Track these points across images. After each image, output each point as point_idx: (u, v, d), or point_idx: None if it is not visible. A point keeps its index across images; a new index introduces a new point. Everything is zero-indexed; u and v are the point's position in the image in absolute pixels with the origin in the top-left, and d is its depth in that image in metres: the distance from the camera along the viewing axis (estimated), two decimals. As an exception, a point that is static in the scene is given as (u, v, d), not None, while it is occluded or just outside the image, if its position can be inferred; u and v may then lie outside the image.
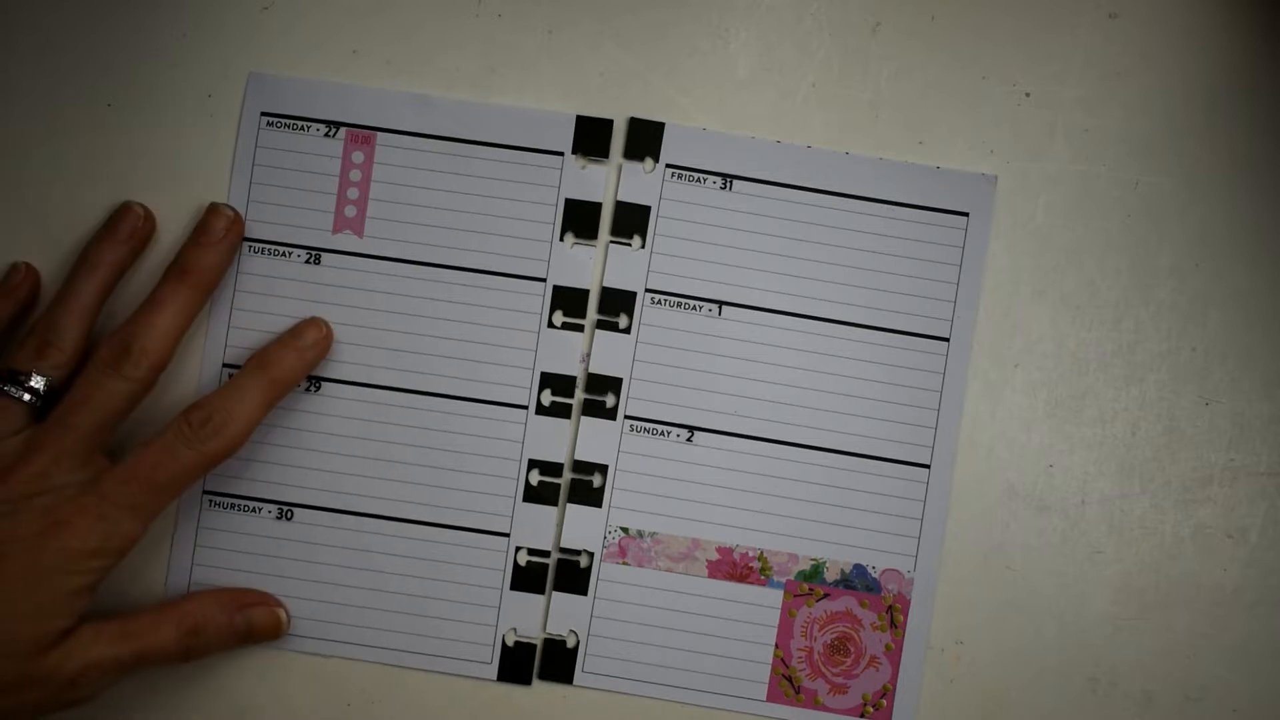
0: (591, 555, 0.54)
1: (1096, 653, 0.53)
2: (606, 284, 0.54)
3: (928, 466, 0.53)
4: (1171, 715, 0.53)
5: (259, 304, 0.54)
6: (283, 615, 0.53)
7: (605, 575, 0.54)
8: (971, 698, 0.53)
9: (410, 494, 0.54)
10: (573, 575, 0.54)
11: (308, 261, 0.54)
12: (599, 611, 0.54)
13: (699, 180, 0.54)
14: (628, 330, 0.54)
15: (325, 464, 0.54)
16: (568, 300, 0.54)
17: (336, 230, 0.54)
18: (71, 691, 0.48)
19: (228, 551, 0.54)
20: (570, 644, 0.54)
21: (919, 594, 0.53)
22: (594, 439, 0.54)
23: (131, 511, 0.48)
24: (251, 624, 0.53)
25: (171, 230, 0.54)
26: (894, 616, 0.53)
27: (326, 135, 0.54)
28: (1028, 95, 0.54)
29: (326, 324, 0.53)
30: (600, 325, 0.54)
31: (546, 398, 0.54)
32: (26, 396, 0.50)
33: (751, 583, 0.54)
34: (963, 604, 0.53)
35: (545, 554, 0.54)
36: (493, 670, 0.54)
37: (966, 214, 0.54)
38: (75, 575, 0.47)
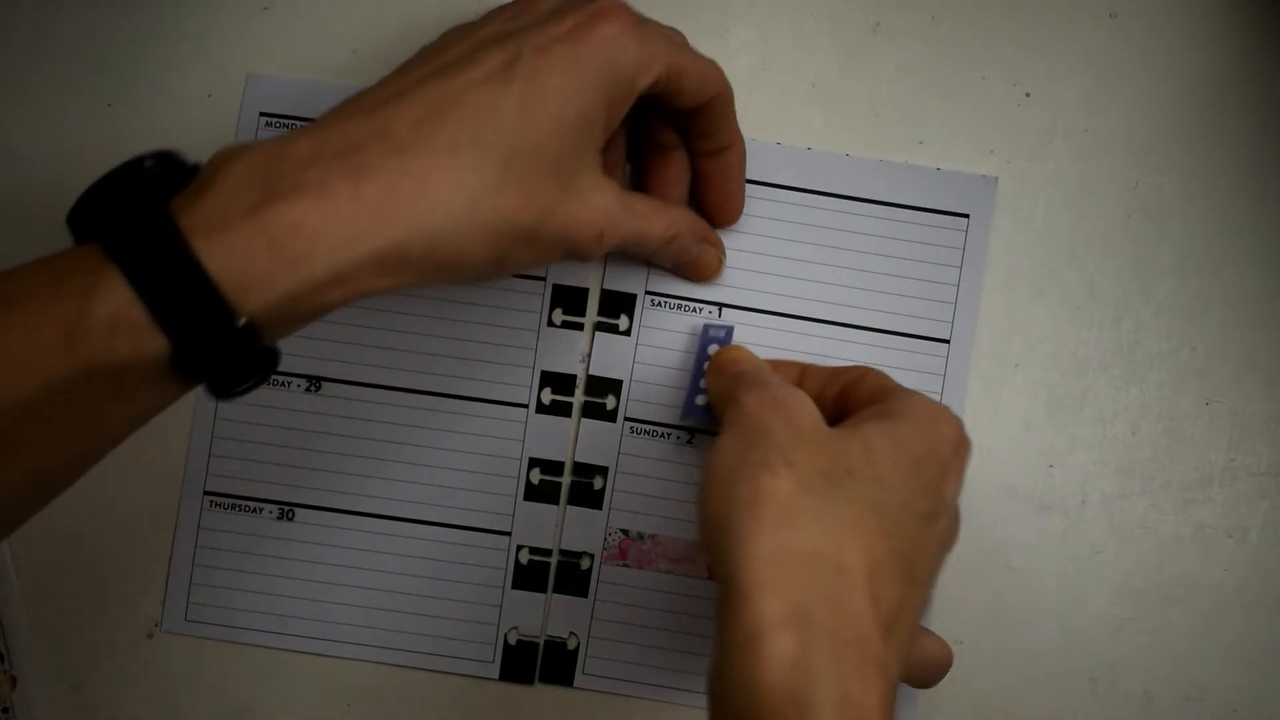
0: (592, 557, 0.54)
1: (1096, 653, 0.53)
2: (606, 286, 0.54)
3: (928, 468, 0.53)
4: (1171, 715, 0.53)
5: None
6: (718, 257, 0.53)
7: (605, 577, 0.54)
8: (971, 698, 0.53)
9: (411, 494, 0.54)
10: (573, 577, 0.54)
11: (308, 262, 0.54)
12: (599, 614, 0.54)
13: (699, 181, 0.54)
14: (628, 333, 0.54)
15: (326, 464, 0.54)
16: (568, 298, 0.54)
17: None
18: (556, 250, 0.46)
19: (229, 552, 0.54)
20: (571, 646, 0.54)
21: (919, 594, 0.53)
22: (594, 441, 0.54)
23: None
24: (695, 259, 0.52)
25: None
26: (894, 618, 0.53)
27: (326, 135, 0.54)
28: (1028, 95, 0.54)
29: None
30: (600, 327, 0.54)
31: (547, 396, 0.54)
32: None
33: (752, 583, 0.54)
34: (963, 604, 0.53)
35: (547, 552, 0.54)
36: (495, 669, 0.54)
37: (967, 215, 0.54)
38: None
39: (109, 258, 0.38)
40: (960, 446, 0.45)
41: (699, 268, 0.52)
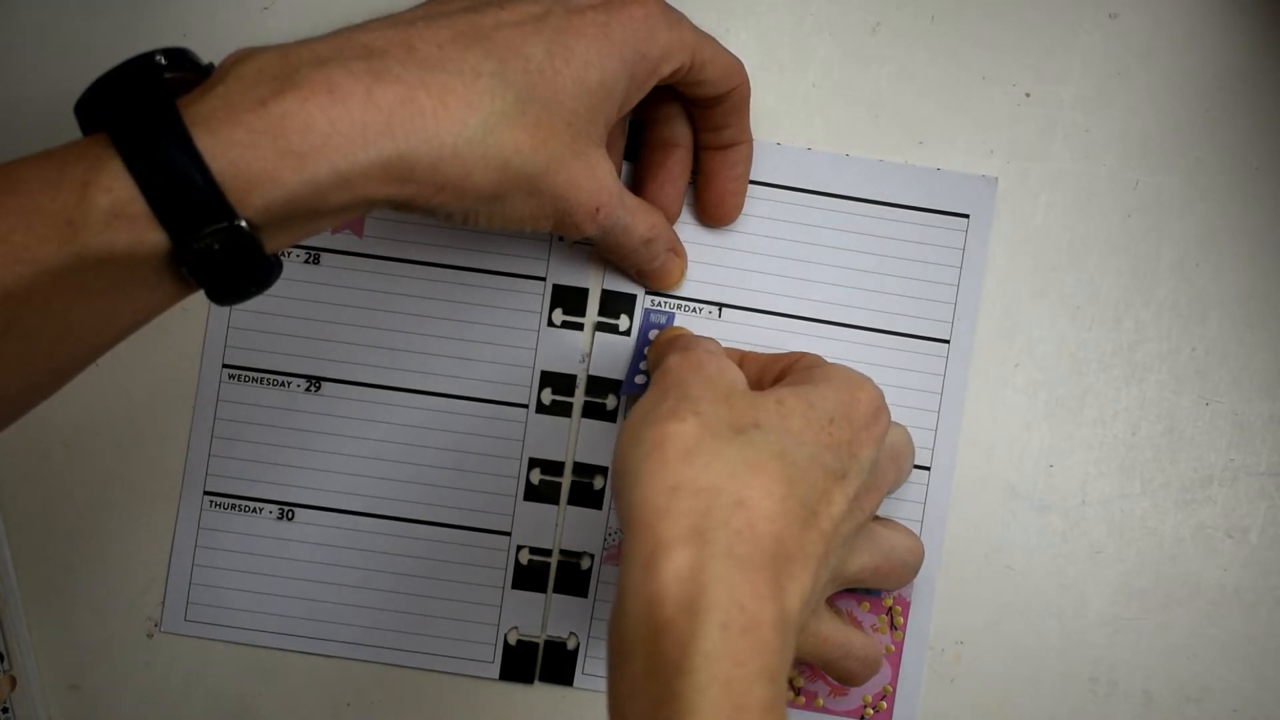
0: (592, 557, 0.54)
1: (1096, 653, 0.53)
2: (606, 286, 0.54)
3: (928, 468, 0.53)
4: (1171, 715, 0.53)
5: (257, 303, 0.53)
6: (681, 269, 0.53)
7: (606, 577, 0.54)
8: (972, 698, 0.53)
9: (411, 494, 0.54)
10: (573, 577, 0.54)
11: (307, 261, 0.54)
12: (599, 614, 0.54)
13: (699, 181, 0.54)
14: (628, 333, 0.54)
15: (326, 464, 0.54)
16: (568, 298, 0.54)
17: (335, 230, 0.54)
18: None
19: (229, 552, 0.54)
20: (570, 646, 0.54)
21: (919, 595, 0.53)
22: (594, 441, 0.54)
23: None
24: (660, 266, 0.52)
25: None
26: (894, 618, 0.53)
27: (326, 135, 0.54)
28: (1028, 95, 0.54)
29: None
30: (600, 327, 0.54)
31: (547, 396, 0.54)
32: None
33: (752, 583, 0.54)
34: (963, 604, 0.53)
35: (547, 552, 0.54)
36: (495, 669, 0.54)
37: (967, 215, 0.54)
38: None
39: (112, 148, 0.38)
40: (879, 414, 0.45)
41: (662, 276, 0.53)
